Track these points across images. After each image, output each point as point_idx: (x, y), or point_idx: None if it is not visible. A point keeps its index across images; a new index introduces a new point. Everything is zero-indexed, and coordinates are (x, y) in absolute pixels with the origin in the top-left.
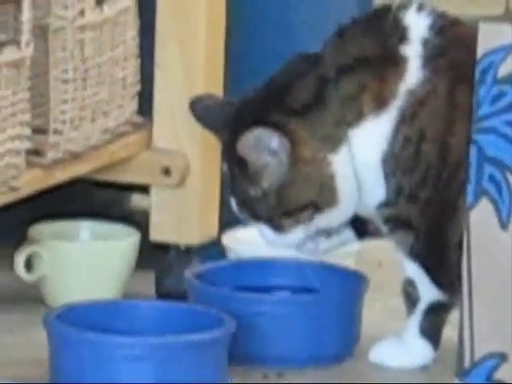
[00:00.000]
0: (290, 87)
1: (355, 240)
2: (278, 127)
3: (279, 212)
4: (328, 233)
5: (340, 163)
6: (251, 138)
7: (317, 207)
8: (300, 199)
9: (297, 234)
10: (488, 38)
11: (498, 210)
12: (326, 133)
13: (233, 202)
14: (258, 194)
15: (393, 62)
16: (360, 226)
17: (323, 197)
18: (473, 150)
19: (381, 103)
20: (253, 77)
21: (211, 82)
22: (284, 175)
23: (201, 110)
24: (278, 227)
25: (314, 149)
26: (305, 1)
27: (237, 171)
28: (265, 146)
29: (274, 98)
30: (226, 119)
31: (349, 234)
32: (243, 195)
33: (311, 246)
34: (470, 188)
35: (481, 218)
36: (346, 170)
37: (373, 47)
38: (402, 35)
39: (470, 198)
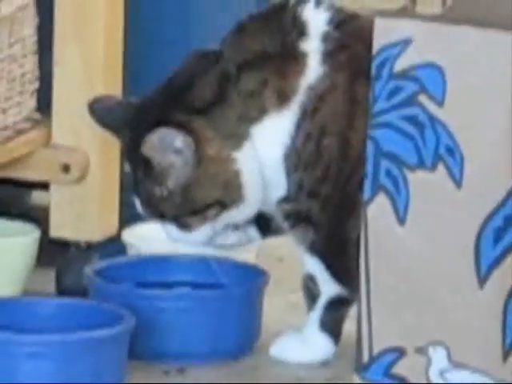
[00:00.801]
0: (191, 85)
1: (259, 238)
2: (181, 126)
3: (185, 211)
4: (235, 226)
5: (244, 160)
6: (155, 139)
7: (223, 205)
8: (206, 198)
9: (203, 231)
10: (384, 33)
11: (394, 206)
12: (229, 130)
13: (137, 202)
14: (164, 194)
15: (293, 58)
16: (263, 224)
17: (229, 194)
18: (369, 145)
19: (282, 99)
20: (152, 73)
21: (110, 79)
22: (189, 174)
23: (100, 111)
24: (184, 226)
25: (219, 147)
26: (204, 1)
27: (141, 172)
28: (169, 146)
29: (175, 96)
30: (127, 120)
31: (253, 231)
32: (148, 195)
33: (218, 240)
34: (367, 183)
35: (378, 213)
36: (250, 167)
37: (272, 43)
38: (300, 30)
39: (367, 193)
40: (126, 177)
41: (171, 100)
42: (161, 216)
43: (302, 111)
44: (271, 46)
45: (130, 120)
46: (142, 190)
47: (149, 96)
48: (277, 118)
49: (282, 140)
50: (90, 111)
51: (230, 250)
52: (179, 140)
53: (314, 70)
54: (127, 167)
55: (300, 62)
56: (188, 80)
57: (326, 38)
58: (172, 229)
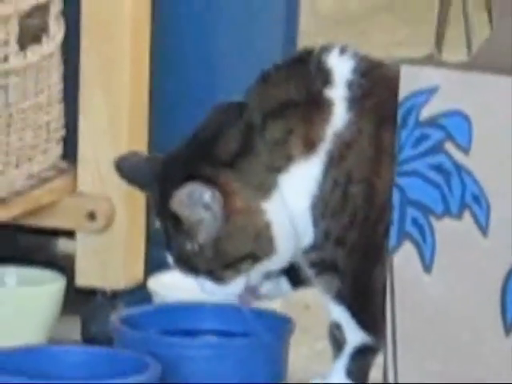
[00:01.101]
0: (216, 138)
1: (290, 289)
2: (209, 181)
3: (218, 265)
4: (267, 276)
5: (274, 210)
6: (184, 195)
7: (255, 257)
8: (238, 251)
9: (238, 283)
10: (410, 81)
11: (421, 254)
12: (257, 181)
13: (170, 258)
14: (195, 249)
15: (318, 106)
16: (293, 275)
17: (260, 247)
18: (396, 193)
19: (309, 147)
20: (178, 123)
21: (136, 129)
22: (219, 228)
23: (127, 168)
24: (218, 279)
25: (247, 199)
26: (231, 47)
27: (171, 228)
28: (198, 201)
29: (202, 150)
30: (154, 175)
31: (284, 282)
32: (180, 251)
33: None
34: (393, 231)
35: (404, 261)
36: (280, 217)
37: (297, 91)
38: (325, 78)
39: (392, 241)
40: (154, 230)
41: (197, 154)
42: (194, 271)
43: (328, 159)
44: (296, 95)
45: (157, 176)
46: (173, 245)
47: (175, 150)
48: (304, 166)
49: (310, 188)
50: (116, 169)
51: (263, 301)
52: (207, 195)
53: (339, 117)
54: (157, 223)
55: (326, 109)
56: (213, 133)
57: (351, 85)
58: (206, 282)
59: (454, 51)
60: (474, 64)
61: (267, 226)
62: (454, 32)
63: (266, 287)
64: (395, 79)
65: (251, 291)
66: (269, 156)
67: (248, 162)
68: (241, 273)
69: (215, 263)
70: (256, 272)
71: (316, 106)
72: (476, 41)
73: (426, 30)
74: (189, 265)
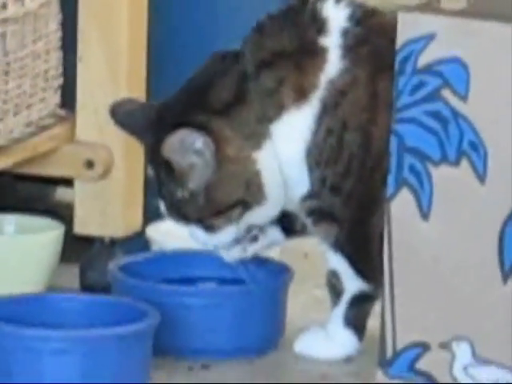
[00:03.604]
0: (210, 86)
1: (283, 239)
2: (201, 128)
3: (209, 212)
4: (255, 237)
5: (265, 159)
6: (175, 141)
7: (246, 205)
8: (228, 198)
9: (229, 232)
10: (407, 28)
11: (418, 201)
12: (249, 130)
13: (162, 206)
14: (186, 196)
15: (312, 54)
16: (287, 224)
17: (251, 194)
18: (393, 141)
19: (301, 95)
20: (176, 69)
21: (134, 75)
22: (210, 175)
23: (122, 115)
24: (209, 227)
25: (239, 147)
26: (229, 2)
27: (163, 174)
28: (189, 148)
29: (195, 98)
30: (148, 123)
31: (276, 233)
32: (171, 198)
33: (239, 251)
34: (391, 178)
35: (401, 208)
36: (271, 166)
37: (291, 40)
38: (320, 27)
39: (390, 188)
40: (149, 179)
41: (191, 102)
42: (185, 218)
43: (322, 106)
44: (290, 44)
45: (151, 123)
46: (165, 193)
47: (169, 98)
48: (296, 115)
49: (303, 136)
50: (111, 115)
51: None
52: (199, 141)
53: (334, 64)
54: (150, 170)
55: (320, 57)
56: (208, 81)
57: (346, 33)
58: (198, 231)
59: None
60: (471, 11)
61: (257, 175)
62: None
63: (254, 247)
64: (391, 27)
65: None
66: (261, 105)
67: (241, 111)
68: (231, 221)
69: (206, 211)
70: (247, 221)
71: (310, 55)
72: None
73: None
74: (180, 212)
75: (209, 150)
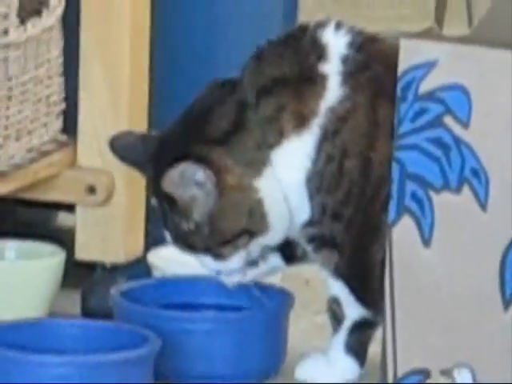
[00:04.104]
0: (209, 115)
1: (283, 265)
2: (200, 159)
3: (215, 242)
4: (254, 262)
5: (267, 187)
6: (175, 174)
7: (251, 233)
8: (232, 227)
9: (238, 258)
10: (409, 54)
11: (420, 228)
12: (249, 157)
13: (168, 237)
14: (191, 228)
15: (312, 81)
16: (288, 251)
17: (254, 223)
18: (395, 167)
19: (301, 122)
20: (177, 97)
21: (136, 102)
22: (213, 206)
23: (121, 148)
24: (217, 256)
25: (239, 175)
26: (229, 30)
27: (166, 207)
28: (190, 180)
29: (194, 128)
30: (148, 155)
31: (277, 259)
32: (177, 229)
33: (239, 275)
34: (392, 205)
35: (403, 235)
36: (273, 193)
37: (291, 67)
38: (320, 53)
39: (391, 215)
40: (152, 207)
41: (190, 132)
42: (193, 248)
43: (322, 133)
44: (289, 71)
45: (151, 155)
46: (170, 224)
47: (169, 128)
48: (297, 141)
49: (303, 163)
50: (111, 148)
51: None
52: (199, 173)
53: (333, 91)
54: (154, 202)
55: (319, 84)
56: (206, 110)
57: (346, 59)
58: (207, 260)
59: (456, 25)
60: (473, 38)
61: (260, 203)
62: (455, 6)
63: (254, 273)
64: (391, 53)
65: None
66: (261, 133)
67: (240, 140)
68: (239, 248)
69: (212, 240)
70: (254, 247)
71: (309, 81)
72: (477, 15)
73: (429, 4)
74: (187, 243)
75: (210, 181)
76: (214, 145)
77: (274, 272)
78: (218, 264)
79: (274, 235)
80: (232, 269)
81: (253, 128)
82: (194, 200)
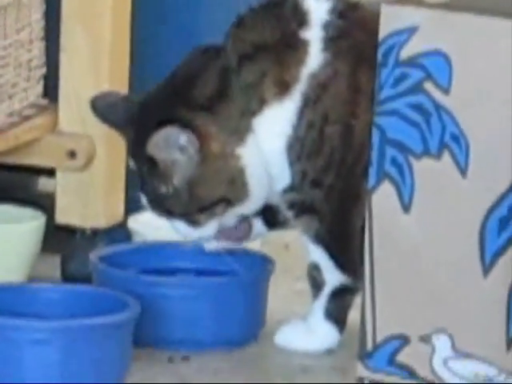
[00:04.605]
0: (193, 81)
1: (265, 231)
2: (185, 124)
3: (193, 208)
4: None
5: (249, 155)
6: (160, 138)
7: (229, 202)
8: (212, 195)
9: (212, 226)
10: (390, 20)
11: (399, 193)
12: (233, 125)
13: (144, 200)
14: (170, 192)
15: (293, 47)
16: (269, 216)
17: (234, 191)
18: (375, 133)
19: (283, 88)
20: (158, 62)
21: (117, 66)
22: (194, 171)
23: (103, 108)
24: (192, 222)
25: (223, 143)
26: None
27: (146, 170)
28: (173, 144)
29: (178, 93)
30: (130, 117)
31: (259, 224)
32: (154, 193)
33: (216, 243)
34: (372, 171)
35: (383, 201)
36: (255, 161)
37: (272, 33)
38: (301, 19)
39: (371, 181)
40: (131, 171)
41: (174, 97)
42: (168, 213)
43: (303, 100)
44: (271, 37)
45: (133, 118)
46: (148, 188)
47: (152, 92)
48: (278, 108)
49: (284, 130)
50: (92, 108)
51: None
52: (183, 138)
53: (315, 57)
54: (132, 164)
55: (300, 50)
56: (190, 76)
57: (327, 26)
58: (180, 225)
59: None
60: (454, 4)
61: (242, 171)
62: None
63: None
64: (372, 20)
65: (229, 233)
66: (244, 100)
67: (224, 106)
68: (215, 216)
69: (190, 206)
70: (230, 216)
71: (291, 48)
72: None
73: None
74: (163, 207)
75: (193, 146)
76: (198, 110)
77: (257, 237)
78: (191, 230)
79: (252, 204)
80: (204, 236)
81: (236, 95)
82: (175, 164)
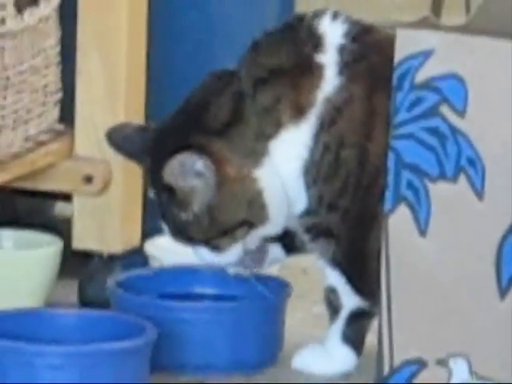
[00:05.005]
0: (207, 107)
1: (283, 256)
2: (200, 150)
3: (214, 233)
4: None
5: (266, 177)
6: (175, 165)
7: (250, 224)
8: (232, 218)
9: (235, 251)
10: (406, 44)
11: (416, 217)
12: (248, 148)
13: (165, 228)
14: (190, 218)
15: (308, 71)
16: (287, 241)
17: (254, 214)
18: (391, 157)
19: (298, 112)
20: (174, 87)
21: (133, 90)
22: (213, 196)
23: (119, 140)
24: (215, 247)
25: (239, 166)
26: (226, 18)
27: (165, 198)
28: (190, 171)
29: (192, 119)
30: (146, 147)
31: (277, 250)
32: (175, 221)
33: (241, 269)
34: (388, 194)
35: (399, 224)
36: (272, 184)
37: (287, 57)
38: (316, 43)
39: (388, 204)
40: (149, 199)
41: (188, 123)
42: (190, 240)
43: (319, 123)
44: (286, 61)
45: (149, 147)
46: (168, 215)
47: (166, 120)
48: (294, 132)
49: (301, 153)
50: (108, 141)
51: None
52: (199, 163)
53: (330, 81)
54: (151, 193)
55: (316, 74)
56: (204, 101)
57: (342, 50)
58: (204, 252)
59: (454, 14)
60: (470, 27)
61: (259, 193)
62: None
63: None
64: (388, 43)
65: (254, 257)
66: (259, 123)
67: (239, 131)
68: (237, 240)
69: (211, 232)
70: (253, 238)
71: (306, 72)
72: (475, 3)
73: None
74: (185, 235)
75: (209, 171)
76: (213, 136)
77: (275, 263)
78: (215, 256)
79: (273, 226)
80: (228, 262)
81: (251, 119)
82: (193, 191)
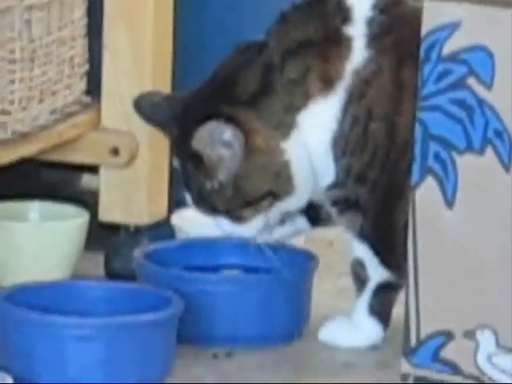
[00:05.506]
0: (236, 78)
1: (308, 228)
2: (229, 119)
3: (238, 203)
4: (282, 220)
5: (293, 150)
6: (205, 133)
7: (275, 196)
8: (258, 189)
9: (256, 223)
10: (433, 16)
11: (443, 189)
12: (276, 120)
13: (188, 197)
14: (215, 188)
15: (337, 43)
16: (313, 213)
17: (280, 185)
18: (418, 129)
19: (327, 84)
20: (201, 59)
21: (160, 63)
22: (239, 166)
23: (146, 107)
24: (237, 218)
25: (267, 137)
26: None
27: (191, 166)
28: (219, 139)
29: (221, 89)
30: (174, 115)
31: (302, 221)
32: (199, 189)
33: (265, 236)
34: (415, 166)
35: (426, 196)
36: (299, 156)
37: (316, 29)
38: (345, 15)
39: (415, 176)
40: (175, 169)
41: (217, 93)
42: (213, 210)
43: (348, 95)
44: (314, 33)
45: (176, 115)
46: (192, 184)
47: (195, 90)
48: (322, 103)
49: (329, 125)
50: (135, 108)
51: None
52: (228, 133)
53: (358, 53)
54: (176, 162)
55: (344, 46)
56: (233, 72)
57: (370, 22)
58: (223, 221)
59: None
60: None
61: (286, 165)
62: None
63: (280, 232)
64: (415, 16)
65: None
66: (288, 95)
67: (267, 102)
68: (260, 211)
69: (235, 202)
70: (275, 211)
71: (335, 44)
72: None
73: None
74: (208, 204)
75: (238, 141)
76: (242, 106)
77: (299, 234)
78: (236, 227)
79: (297, 198)
80: (247, 233)
81: (279, 91)
82: (220, 159)
